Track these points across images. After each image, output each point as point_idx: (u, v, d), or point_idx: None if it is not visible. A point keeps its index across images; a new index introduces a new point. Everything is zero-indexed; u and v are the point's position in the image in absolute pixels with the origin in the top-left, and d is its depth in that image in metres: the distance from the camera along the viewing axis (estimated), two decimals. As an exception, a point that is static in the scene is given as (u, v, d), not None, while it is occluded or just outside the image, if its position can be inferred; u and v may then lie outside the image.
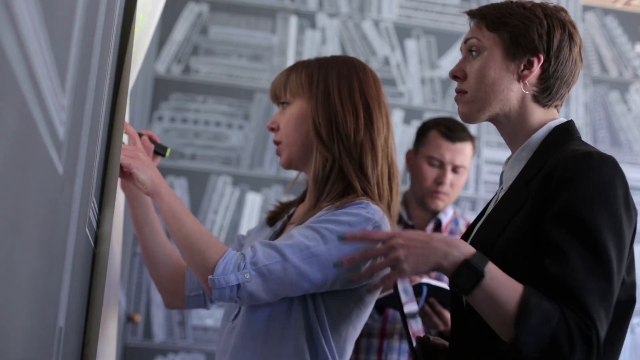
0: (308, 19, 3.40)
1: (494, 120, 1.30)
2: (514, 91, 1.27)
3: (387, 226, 1.40)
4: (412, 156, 2.35)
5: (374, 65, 3.39)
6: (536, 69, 1.26)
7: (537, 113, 1.28)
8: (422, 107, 3.37)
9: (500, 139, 3.35)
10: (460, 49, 1.34)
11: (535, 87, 1.27)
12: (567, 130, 1.27)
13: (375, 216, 1.38)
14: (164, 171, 3.03)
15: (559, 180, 1.15)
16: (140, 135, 1.49)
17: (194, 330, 3.07)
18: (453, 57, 3.46)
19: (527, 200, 1.19)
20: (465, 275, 1.13)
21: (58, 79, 0.61)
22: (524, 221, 1.18)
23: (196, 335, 3.07)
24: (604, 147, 3.48)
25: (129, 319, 2.89)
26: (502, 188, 1.31)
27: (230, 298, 1.32)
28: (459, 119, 1.34)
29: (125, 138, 1.44)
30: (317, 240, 1.34)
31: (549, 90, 1.27)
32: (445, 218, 2.33)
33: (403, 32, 3.47)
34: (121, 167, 1.36)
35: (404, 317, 1.29)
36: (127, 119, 1.47)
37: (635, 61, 3.63)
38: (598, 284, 1.10)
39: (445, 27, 3.49)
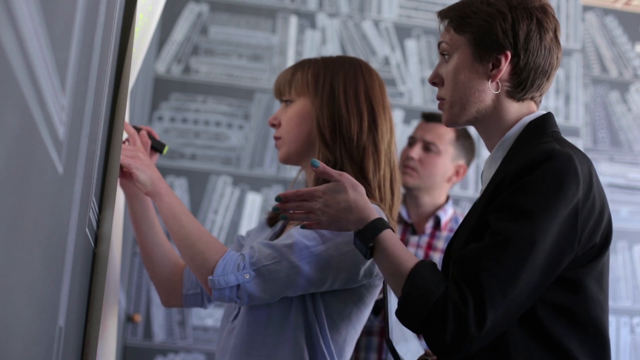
0: (308, 19, 3.40)
1: (472, 123, 1.28)
2: (487, 91, 1.24)
3: (387, 226, 1.40)
4: None
5: (374, 65, 3.38)
6: (505, 66, 1.22)
7: (512, 109, 1.25)
8: (422, 107, 3.37)
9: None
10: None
11: (508, 83, 1.24)
12: (541, 125, 1.23)
13: (375, 216, 1.38)
14: (164, 171, 3.03)
15: (509, 182, 1.14)
16: (139, 130, 1.49)
17: (194, 330, 3.07)
18: (453, 57, 3.46)
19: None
20: (358, 245, 1.24)
21: (58, 79, 0.60)
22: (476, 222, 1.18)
23: (196, 335, 3.07)
24: (604, 147, 3.49)
25: (129, 319, 2.89)
26: (482, 189, 1.29)
27: (230, 298, 1.32)
28: None
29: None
30: (316, 239, 1.35)
31: (522, 84, 1.24)
32: (445, 216, 2.34)
33: (403, 32, 3.47)
34: (121, 167, 1.36)
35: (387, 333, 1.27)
36: (127, 119, 1.47)
37: (635, 61, 3.63)
38: (501, 265, 1.09)
39: (445, 27, 3.49)
